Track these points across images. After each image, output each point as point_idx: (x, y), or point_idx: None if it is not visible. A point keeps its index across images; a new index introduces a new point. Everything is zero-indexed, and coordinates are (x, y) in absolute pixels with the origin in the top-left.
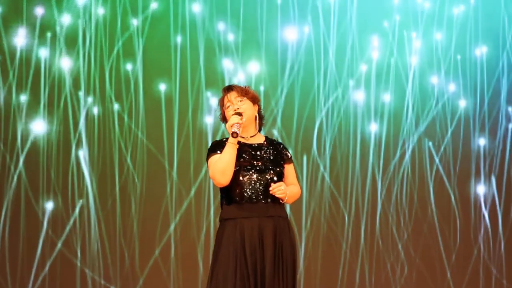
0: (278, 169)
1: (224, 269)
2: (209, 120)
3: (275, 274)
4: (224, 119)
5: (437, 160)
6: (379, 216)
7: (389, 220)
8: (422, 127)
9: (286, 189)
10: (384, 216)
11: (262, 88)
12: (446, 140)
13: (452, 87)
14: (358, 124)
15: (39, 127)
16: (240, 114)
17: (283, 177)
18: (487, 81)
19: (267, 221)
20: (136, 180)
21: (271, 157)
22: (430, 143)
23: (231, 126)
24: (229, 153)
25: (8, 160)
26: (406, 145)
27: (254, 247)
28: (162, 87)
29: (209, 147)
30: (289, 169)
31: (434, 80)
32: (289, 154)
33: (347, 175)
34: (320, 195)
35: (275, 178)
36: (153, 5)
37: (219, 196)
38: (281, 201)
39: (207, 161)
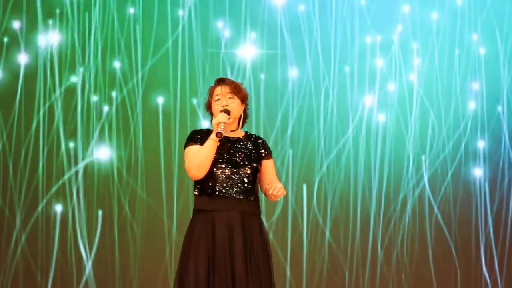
0: (254, 164)
1: (194, 263)
2: None
3: (247, 272)
4: (209, 109)
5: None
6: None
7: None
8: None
9: (281, 186)
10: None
11: None
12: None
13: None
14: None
15: None
16: (228, 112)
17: (259, 173)
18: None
19: (237, 216)
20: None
21: (248, 153)
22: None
23: (217, 125)
24: (208, 149)
25: None
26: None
27: (224, 241)
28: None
29: (188, 135)
30: (268, 165)
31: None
32: (268, 150)
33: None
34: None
35: (249, 173)
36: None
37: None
38: (273, 197)
39: (184, 149)
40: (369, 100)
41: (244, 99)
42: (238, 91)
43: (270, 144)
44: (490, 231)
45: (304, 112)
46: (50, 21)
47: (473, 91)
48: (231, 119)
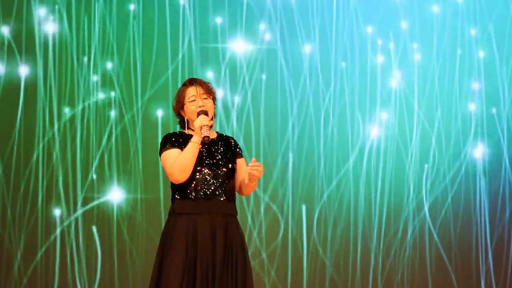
0: (230, 165)
1: (174, 263)
2: None
3: (225, 271)
4: (179, 110)
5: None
6: None
7: None
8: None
9: (263, 171)
10: None
11: None
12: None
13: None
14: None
15: None
16: (206, 113)
17: (236, 172)
18: None
19: (219, 218)
20: None
21: (224, 153)
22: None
23: (201, 128)
24: (191, 152)
25: None
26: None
27: (206, 243)
28: None
29: (162, 139)
30: (241, 163)
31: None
32: (239, 148)
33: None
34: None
35: (229, 173)
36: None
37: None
38: (247, 181)
39: (160, 154)
40: (370, 126)
41: (214, 99)
42: (210, 91)
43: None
44: (490, 261)
45: (305, 138)
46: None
47: (473, 114)
48: (212, 121)
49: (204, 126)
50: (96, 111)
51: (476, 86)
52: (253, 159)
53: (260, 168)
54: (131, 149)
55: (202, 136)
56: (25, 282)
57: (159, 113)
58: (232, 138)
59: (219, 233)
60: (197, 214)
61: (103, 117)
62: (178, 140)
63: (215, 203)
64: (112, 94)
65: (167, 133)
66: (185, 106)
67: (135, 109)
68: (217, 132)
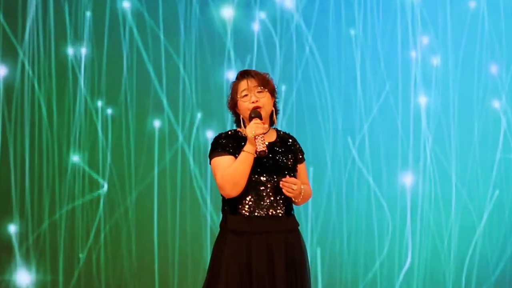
0: (292, 174)
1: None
2: None
3: None
4: (234, 107)
5: None
6: None
7: None
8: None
9: (299, 190)
10: None
11: None
12: None
13: None
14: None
15: None
16: (259, 114)
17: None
18: None
19: (276, 237)
20: None
21: (286, 159)
22: None
23: (255, 139)
24: (245, 164)
25: None
26: None
27: (262, 265)
28: None
29: (214, 140)
30: (301, 169)
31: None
32: (302, 151)
33: None
34: None
35: (292, 186)
36: None
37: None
38: (294, 200)
39: (210, 160)
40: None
41: (273, 91)
42: (266, 83)
43: None
44: None
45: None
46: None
47: None
48: (266, 125)
49: (259, 135)
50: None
51: None
52: (287, 177)
53: (295, 187)
54: None
55: (258, 151)
56: None
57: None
58: (292, 138)
59: (277, 254)
60: (250, 233)
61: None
62: (232, 143)
63: (272, 220)
64: None
65: (219, 133)
66: (238, 103)
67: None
68: (276, 130)
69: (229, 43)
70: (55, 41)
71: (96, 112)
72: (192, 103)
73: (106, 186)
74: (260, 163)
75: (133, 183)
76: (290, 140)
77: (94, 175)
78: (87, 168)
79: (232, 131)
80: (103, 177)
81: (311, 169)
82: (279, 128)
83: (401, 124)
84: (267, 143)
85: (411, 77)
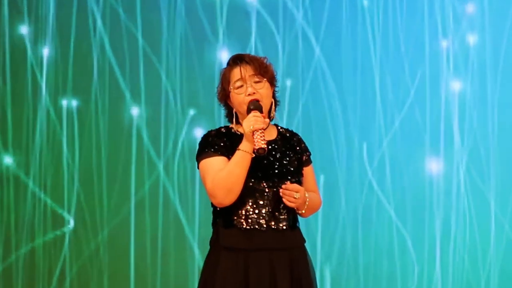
0: (296, 179)
1: None
2: None
3: None
4: (225, 99)
5: None
6: None
7: None
8: None
9: (303, 198)
10: None
11: None
12: None
13: None
14: None
15: None
16: (259, 106)
17: (301, 185)
18: None
19: (280, 255)
20: None
21: (288, 160)
22: None
23: (253, 134)
24: (241, 166)
25: None
26: None
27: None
28: None
29: (202, 138)
30: (308, 173)
31: None
32: (308, 151)
33: None
34: None
35: (294, 194)
36: None
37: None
38: (298, 212)
39: (198, 162)
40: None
41: (272, 80)
42: (265, 70)
43: None
44: None
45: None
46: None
47: None
48: (267, 120)
49: (258, 131)
50: None
51: None
52: (287, 183)
53: (297, 196)
54: None
55: (256, 148)
56: None
57: None
58: (297, 136)
59: (280, 275)
60: (248, 251)
61: None
62: (224, 142)
63: (274, 234)
64: None
65: (208, 130)
66: (230, 95)
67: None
68: (276, 126)
69: (221, 46)
70: (11, 38)
71: (61, 126)
72: (177, 118)
73: (72, 221)
74: (258, 166)
75: (105, 216)
76: (294, 138)
77: (59, 209)
78: (49, 200)
79: (224, 128)
80: (69, 210)
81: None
82: (279, 124)
83: (429, 139)
84: (265, 144)
85: (441, 86)
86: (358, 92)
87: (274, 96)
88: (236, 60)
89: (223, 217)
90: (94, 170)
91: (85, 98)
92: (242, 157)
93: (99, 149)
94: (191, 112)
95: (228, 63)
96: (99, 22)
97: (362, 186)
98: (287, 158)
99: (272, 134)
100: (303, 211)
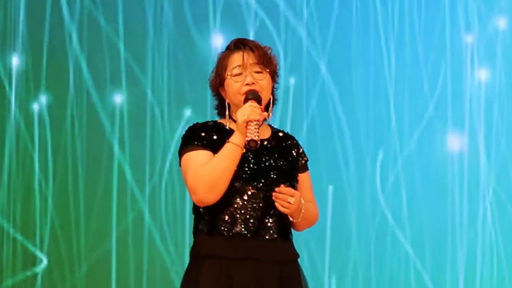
0: (290, 183)
1: None
2: None
3: None
4: (218, 87)
5: None
6: None
7: None
8: None
9: (299, 204)
10: None
11: None
12: None
13: None
14: None
15: None
16: (257, 97)
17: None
18: None
19: (269, 268)
20: None
21: (282, 163)
22: None
23: (247, 124)
24: (229, 159)
25: None
26: None
27: None
28: None
29: (186, 131)
30: (303, 180)
31: None
32: (305, 157)
33: None
34: None
35: (288, 198)
36: None
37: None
38: (291, 219)
39: (180, 157)
40: None
41: (274, 74)
42: (269, 61)
43: None
44: None
45: None
46: None
47: None
48: (265, 113)
49: (252, 122)
50: None
51: None
52: (281, 186)
53: (292, 201)
54: None
55: (247, 139)
56: None
57: None
58: (292, 138)
59: None
60: (233, 260)
61: None
62: (211, 136)
63: (263, 243)
64: None
65: (194, 123)
66: (225, 82)
67: None
68: (271, 126)
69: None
70: None
71: (33, 147)
72: (164, 136)
73: (45, 260)
74: (247, 167)
75: (83, 250)
76: (289, 141)
77: (30, 246)
78: (19, 236)
79: (212, 121)
80: (41, 246)
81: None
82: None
83: (451, 160)
84: (258, 137)
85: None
86: (371, 110)
87: (273, 93)
88: (239, 45)
89: (206, 222)
90: (70, 197)
91: (59, 116)
92: (231, 150)
93: (75, 174)
94: (180, 128)
95: (228, 47)
96: (74, 37)
97: (374, 215)
98: (281, 161)
99: (266, 133)
100: (298, 220)
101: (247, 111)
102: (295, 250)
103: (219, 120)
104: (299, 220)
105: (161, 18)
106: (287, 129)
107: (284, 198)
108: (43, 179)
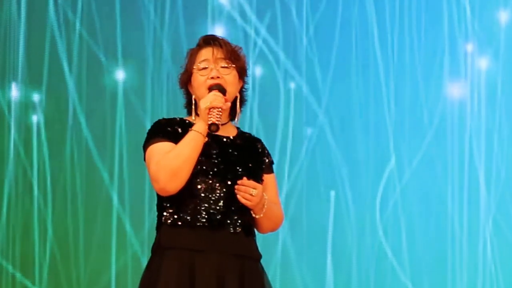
0: (254, 179)
1: None
2: None
3: None
4: (187, 83)
5: None
6: None
7: None
8: None
9: (261, 198)
10: None
11: None
12: None
13: None
14: None
15: None
16: (223, 90)
17: None
18: None
19: (231, 262)
20: None
21: (244, 160)
22: None
23: (209, 111)
24: (191, 147)
25: None
26: None
27: None
28: None
29: (151, 126)
30: (269, 181)
31: None
32: (270, 159)
33: None
34: None
35: (250, 190)
36: None
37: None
38: (253, 215)
39: (145, 150)
40: None
41: (242, 71)
42: (236, 58)
43: None
44: None
45: None
46: None
47: None
48: (229, 103)
49: (214, 108)
50: None
51: None
52: (244, 178)
53: (254, 193)
54: None
55: (209, 122)
56: None
57: None
58: (261, 142)
59: (230, 283)
60: (195, 251)
61: None
62: (176, 130)
63: (225, 236)
64: None
65: (160, 118)
66: (192, 76)
67: None
68: (238, 128)
69: None
70: None
71: (31, 187)
72: None
73: None
74: (213, 162)
75: (82, 287)
76: (256, 142)
77: (29, 285)
78: (18, 274)
79: (178, 118)
80: (40, 282)
81: None
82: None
83: (451, 187)
84: (219, 120)
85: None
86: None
87: (241, 92)
88: (209, 41)
89: (170, 215)
90: (70, 233)
91: (59, 148)
92: (194, 137)
93: (75, 208)
94: None
95: (198, 43)
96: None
97: (373, 249)
98: (246, 158)
99: (231, 132)
100: (260, 215)
101: (210, 98)
102: (257, 248)
103: (186, 118)
104: (261, 215)
105: (160, 55)
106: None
107: (246, 190)
108: (42, 218)
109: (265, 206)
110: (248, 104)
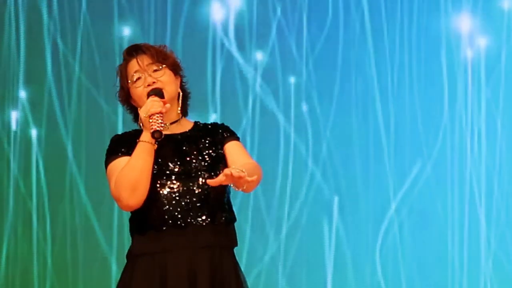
0: (212, 172)
1: None
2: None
3: None
4: (127, 99)
5: None
6: None
7: None
8: None
9: (238, 171)
10: None
11: None
12: None
13: None
14: None
15: None
16: (160, 94)
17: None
18: None
19: (202, 253)
20: None
21: (205, 152)
22: None
23: (150, 118)
24: (143, 158)
25: None
26: None
27: None
28: None
29: (108, 146)
30: (231, 147)
31: None
32: (229, 131)
33: None
34: None
35: (208, 188)
36: None
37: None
38: (236, 188)
39: (106, 169)
40: None
41: (176, 67)
42: (163, 57)
43: None
44: None
45: None
46: None
47: None
48: (168, 105)
49: (154, 114)
50: None
51: None
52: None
53: (243, 174)
54: None
55: (151, 131)
56: None
57: None
58: (216, 124)
59: (201, 277)
60: (166, 252)
61: None
62: (130, 142)
63: (192, 230)
64: None
65: (114, 134)
66: (130, 91)
67: None
68: (195, 122)
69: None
70: None
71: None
72: None
73: None
74: (166, 164)
75: None
76: (210, 126)
77: None
78: None
79: (133, 130)
80: None
81: None
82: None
83: (451, 223)
84: (161, 127)
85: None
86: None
87: (182, 87)
88: (131, 52)
89: (138, 223)
90: (69, 265)
91: (57, 187)
92: (142, 148)
93: (74, 239)
94: None
95: (124, 58)
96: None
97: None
98: (202, 151)
99: (186, 127)
100: (254, 189)
101: (148, 106)
102: (230, 236)
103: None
104: (254, 187)
105: None
106: None
107: (240, 174)
108: (41, 248)
109: (256, 177)
110: (248, 147)
